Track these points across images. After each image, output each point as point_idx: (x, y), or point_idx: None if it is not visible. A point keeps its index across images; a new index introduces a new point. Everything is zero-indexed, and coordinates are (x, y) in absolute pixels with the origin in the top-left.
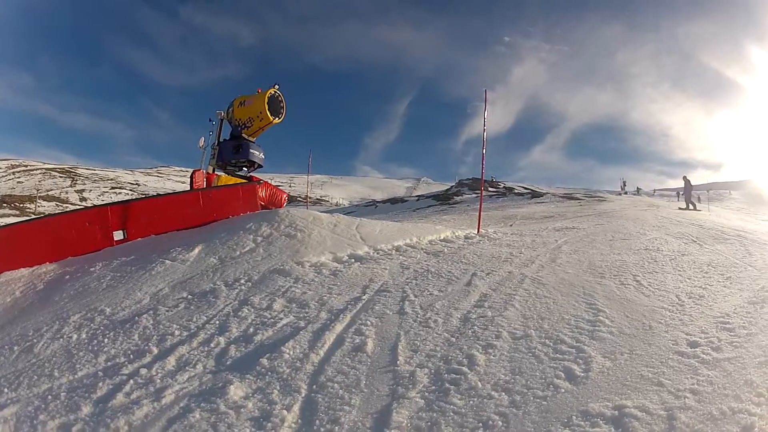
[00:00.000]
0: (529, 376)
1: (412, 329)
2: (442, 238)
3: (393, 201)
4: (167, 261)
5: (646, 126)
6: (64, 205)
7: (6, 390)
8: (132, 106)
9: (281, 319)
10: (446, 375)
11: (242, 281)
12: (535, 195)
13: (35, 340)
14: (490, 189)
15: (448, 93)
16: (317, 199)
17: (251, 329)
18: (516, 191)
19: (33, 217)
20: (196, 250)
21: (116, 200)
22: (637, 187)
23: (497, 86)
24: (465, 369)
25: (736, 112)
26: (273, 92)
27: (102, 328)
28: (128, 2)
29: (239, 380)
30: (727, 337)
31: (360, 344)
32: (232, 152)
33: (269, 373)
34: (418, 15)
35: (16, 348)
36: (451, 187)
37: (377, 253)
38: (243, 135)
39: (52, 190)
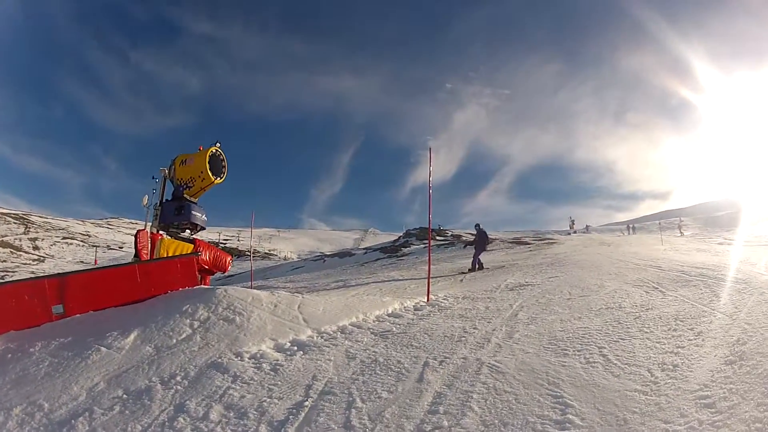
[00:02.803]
0: None
1: None
2: (390, 312)
3: (341, 255)
4: (103, 348)
5: (591, 162)
6: (18, 252)
7: None
8: (82, 152)
9: None
10: None
11: (178, 378)
12: None
13: None
14: (438, 238)
15: (392, 141)
16: (265, 253)
17: None
18: (464, 238)
19: None
20: (132, 336)
21: (59, 269)
22: (586, 225)
23: (440, 133)
24: None
25: (682, 138)
26: (214, 150)
27: (42, 428)
28: (80, 43)
29: None
30: (707, 417)
31: None
32: (174, 214)
33: None
34: (360, 63)
35: None
36: (399, 237)
37: (321, 338)
38: (185, 195)
39: (6, 236)
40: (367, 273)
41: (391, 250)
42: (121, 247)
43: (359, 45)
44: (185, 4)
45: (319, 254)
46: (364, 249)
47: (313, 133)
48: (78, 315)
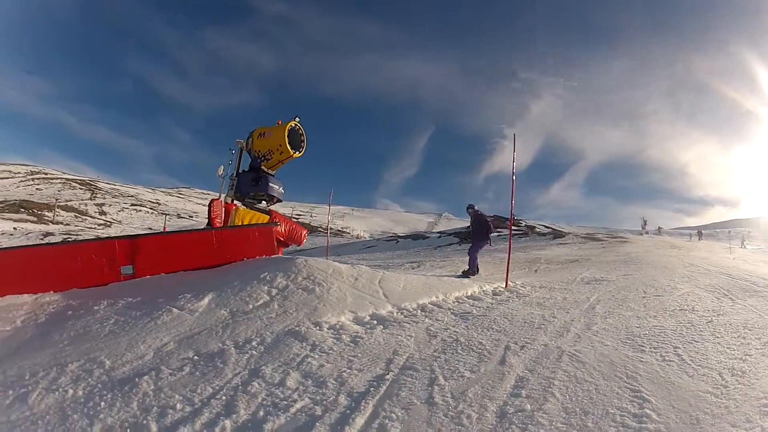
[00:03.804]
0: None
1: (444, 428)
2: (469, 294)
3: (414, 237)
4: (174, 309)
5: (663, 163)
6: (83, 217)
7: None
8: (151, 124)
9: (295, 401)
10: None
11: (254, 343)
12: (557, 235)
13: (30, 387)
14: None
15: (466, 128)
16: (338, 230)
17: (261, 412)
18: (537, 230)
19: (40, 243)
20: (206, 299)
21: (126, 233)
22: (658, 227)
23: (515, 122)
24: None
25: (753, 146)
26: (293, 125)
27: (100, 385)
28: (149, 21)
29: None
30: None
31: None
32: (250, 184)
33: None
34: (433, 49)
35: (10, 392)
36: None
37: (401, 314)
38: (262, 167)
39: (71, 200)
40: (441, 257)
41: (465, 236)
42: (191, 216)
43: (433, 32)
44: None
45: (391, 235)
46: (438, 233)
47: (385, 116)
48: (148, 276)
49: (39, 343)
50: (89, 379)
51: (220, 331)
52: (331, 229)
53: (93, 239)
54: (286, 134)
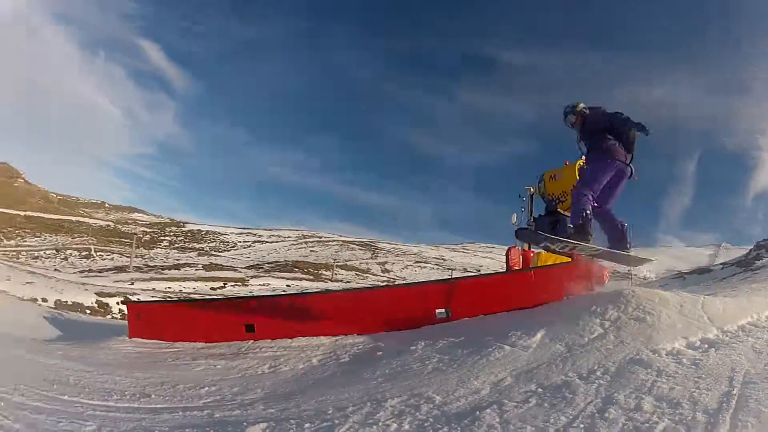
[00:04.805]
0: None
1: None
2: None
3: (700, 272)
4: (506, 346)
5: None
6: (365, 275)
7: None
8: (422, 184)
9: (657, 423)
10: None
11: (598, 373)
12: None
13: (336, 422)
14: None
15: (725, 145)
16: (624, 274)
17: None
18: None
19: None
20: (538, 335)
21: (433, 278)
22: None
23: None
24: None
25: None
26: (581, 163)
27: (432, 419)
28: (403, 89)
29: None
30: None
31: None
32: (549, 228)
33: None
34: (672, 72)
35: (307, 425)
36: (750, 250)
37: (726, 336)
38: (558, 210)
39: (350, 260)
40: (728, 287)
41: (745, 264)
42: (479, 270)
43: (671, 54)
44: (492, 39)
45: (676, 273)
46: (720, 264)
47: (652, 144)
48: (465, 318)
49: (343, 380)
50: (417, 414)
51: (560, 364)
52: (617, 272)
53: (406, 283)
54: (577, 174)
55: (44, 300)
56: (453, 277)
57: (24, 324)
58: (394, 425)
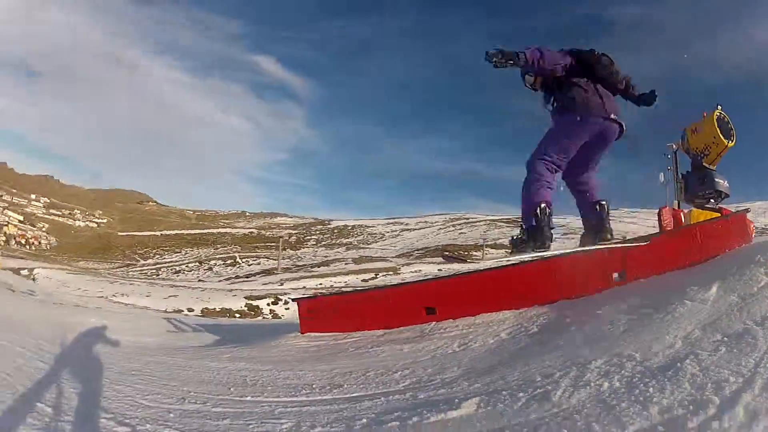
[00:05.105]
0: None
1: None
2: None
3: None
4: (687, 301)
5: None
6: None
7: None
8: None
9: None
10: None
11: None
12: None
13: (549, 387)
14: None
15: None
16: (763, 228)
17: None
18: None
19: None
20: (714, 288)
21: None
22: None
23: None
24: None
25: None
26: (718, 113)
27: (639, 375)
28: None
29: None
30: None
31: None
32: (698, 184)
33: None
34: None
35: (521, 395)
36: None
37: None
38: (704, 164)
39: (499, 239)
40: None
41: None
42: (624, 236)
43: None
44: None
45: None
46: None
47: None
48: (641, 279)
49: (539, 349)
50: (622, 372)
51: (737, 313)
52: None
53: (583, 250)
54: (716, 124)
55: (190, 310)
56: (626, 239)
57: (173, 334)
58: (606, 384)
